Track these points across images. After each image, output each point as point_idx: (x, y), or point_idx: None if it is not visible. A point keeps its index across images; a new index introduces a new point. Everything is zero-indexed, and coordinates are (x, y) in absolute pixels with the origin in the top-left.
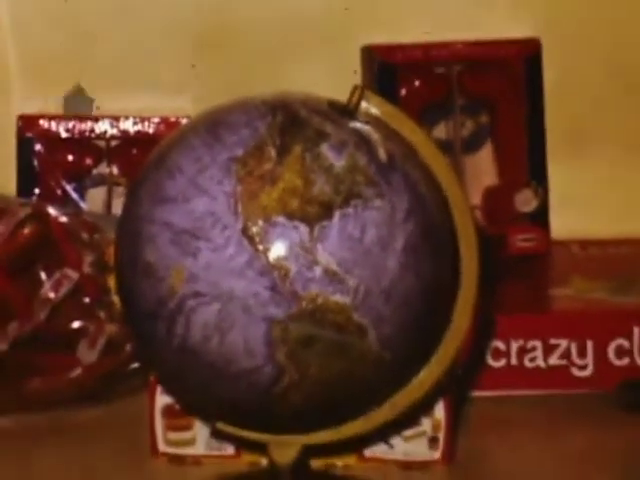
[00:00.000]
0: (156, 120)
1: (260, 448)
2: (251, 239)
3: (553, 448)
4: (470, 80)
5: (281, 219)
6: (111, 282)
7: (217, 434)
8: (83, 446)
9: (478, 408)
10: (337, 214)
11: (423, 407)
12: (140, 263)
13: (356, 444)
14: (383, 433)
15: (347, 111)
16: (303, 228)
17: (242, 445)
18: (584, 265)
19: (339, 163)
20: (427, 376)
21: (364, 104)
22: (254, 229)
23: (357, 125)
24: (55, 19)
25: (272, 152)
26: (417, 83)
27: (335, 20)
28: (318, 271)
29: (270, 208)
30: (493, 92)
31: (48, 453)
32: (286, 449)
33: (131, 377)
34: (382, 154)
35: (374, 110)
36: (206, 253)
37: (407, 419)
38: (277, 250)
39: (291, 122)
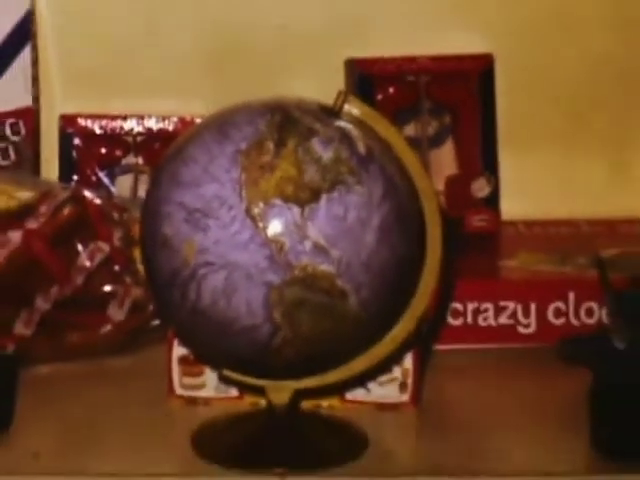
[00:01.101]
0: (175, 119)
1: (260, 391)
2: (253, 218)
3: (503, 392)
4: (435, 88)
5: (278, 201)
6: (136, 253)
7: (224, 380)
8: (113, 389)
9: (440, 359)
10: (324, 198)
11: (395, 358)
12: (159, 237)
13: (339, 388)
14: (361, 379)
15: (333, 112)
16: (296, 209)
17: (245, 389)
18: (529, 241)
19: (326, 155)
20: (398, 332)
21: (347, 107)
22: (255, 210)
23: (341, 124)
24: (92, 34)
25: (271, 146)
26: (391, 90)
27: (323, 38)
28: (308, 245)
29: (269, 192)
30: (454, 98)
31: (84, 395)
32: (281, 392)
33: (153, 332)
34: (362, 148)
35: (355, 112)
36: (215, 229)
37: (381, 368)
38: (274, 227)
39: (286, 121)
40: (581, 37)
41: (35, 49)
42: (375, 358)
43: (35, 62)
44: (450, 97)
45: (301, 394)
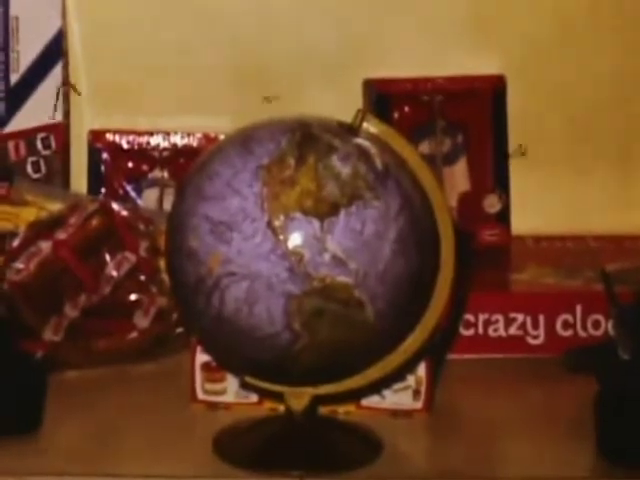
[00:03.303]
0: (199, 135)
1: (278, 397)
2: (274, 230)
3: (512, 400)
4: (449, 107)
5: (298, 215)
6: (162, 263)
7: (244, 385)
8: (138, 393)
9: (452, 368)
10: (343, 212)
11: (409, 366)
12: (185, 249)
13: (355, 395)
14: (377, 386)
15: (351, 130)
16: (315, 222)
17: (264, 394)
18: (538, 256)
19: (345, 171)
20: (412, 342)
21: (365, 124)
22: (276, 222)
23: (359, 141)
24: (120, 53)
25: (292, 162)
26: (407, 109)
27: (343, 59)
28: (327, 257)
29: (289, 206)
30: (467, 117)
31: (109, 399)
32: (299, 398)
33: (177, 339)
34: (379, 164)
35: (373, 129)
36: (238, 241)
37: (396, 376)
38: (295, 239)
39: (307, 138)
40: (591, 59)
41: (66, 67)
42: (390, 366)
43: (66, 79)
44: (463, 116)
45: (318, 400)
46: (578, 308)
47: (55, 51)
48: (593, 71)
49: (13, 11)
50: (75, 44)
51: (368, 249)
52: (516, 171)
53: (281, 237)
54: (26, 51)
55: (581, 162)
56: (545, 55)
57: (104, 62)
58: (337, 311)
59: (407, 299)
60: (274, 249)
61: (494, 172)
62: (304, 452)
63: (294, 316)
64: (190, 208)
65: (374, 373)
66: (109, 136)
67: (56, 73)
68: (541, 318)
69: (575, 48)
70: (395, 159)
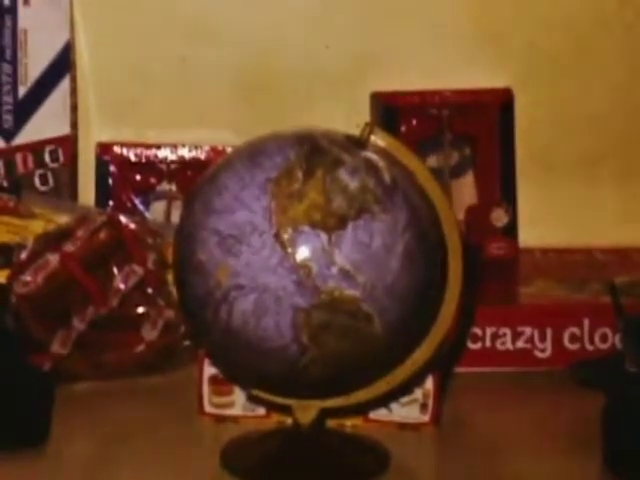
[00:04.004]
0: (206, 148)
1: (286, 410)
2: (282, 243)
3: (519, 414)
4: (457, 120)
5: (306, 228)
6: (169, 276)
7: (252, 399)
8: (146, 406)
9: (459, 381)
10: (350, 225)
11: (416, 380)
12: (193, 261)
13: (362, 408)
14: (384, 400)
15: (359, 143)
16: (323, 235)
17: (272, 408)
18: (545, 269)
19: (353, 184)
20: (420, 355)
21: (373, 138)
22: (285, 236)
23: (367, 154)
24: (127, 66)
25: (300, 175)
26: (414, 122)
27: (350, 72)
28: (335, 270)
29: (298, 219)
30: (475, 130)
31: (117, 412)
32: (307, 411)
33: (184, 352)
34: (387, 178)
35: (381, 142)
36: (246, 254)
37: (403, 389)
38: (303, 252)
39: (315, 151)
40: (599, 71)
41: (74, 79)
42: (397, 380)
43: (74, 92)
44: (471, 129)
45: (326, 413)
46: (585, 321)
47: (63, 64)
48: (600, 84)
49: (21, 24)
50: (83, 57)
51: (376, 262)
52: (523, 184)
53: (289, 250)
54: (34, 64)
55: (588, 175)
56: (552, 68)
57: (112, 75)
58: (345, 324)
59: (414, 312)
60: (282, 262)
61: (501, 185)
62: (311, 465)
63: (302, 329)
64: (198, 221)
65: (381, 386)
66: (117, 149)
67: (64, 86)
68: (548, 331)
69: (582, 61)
70: (403, 172)
